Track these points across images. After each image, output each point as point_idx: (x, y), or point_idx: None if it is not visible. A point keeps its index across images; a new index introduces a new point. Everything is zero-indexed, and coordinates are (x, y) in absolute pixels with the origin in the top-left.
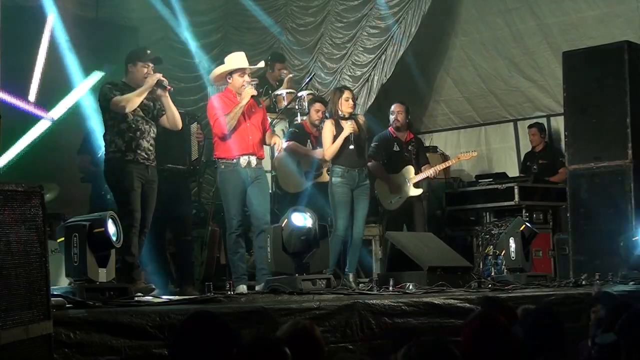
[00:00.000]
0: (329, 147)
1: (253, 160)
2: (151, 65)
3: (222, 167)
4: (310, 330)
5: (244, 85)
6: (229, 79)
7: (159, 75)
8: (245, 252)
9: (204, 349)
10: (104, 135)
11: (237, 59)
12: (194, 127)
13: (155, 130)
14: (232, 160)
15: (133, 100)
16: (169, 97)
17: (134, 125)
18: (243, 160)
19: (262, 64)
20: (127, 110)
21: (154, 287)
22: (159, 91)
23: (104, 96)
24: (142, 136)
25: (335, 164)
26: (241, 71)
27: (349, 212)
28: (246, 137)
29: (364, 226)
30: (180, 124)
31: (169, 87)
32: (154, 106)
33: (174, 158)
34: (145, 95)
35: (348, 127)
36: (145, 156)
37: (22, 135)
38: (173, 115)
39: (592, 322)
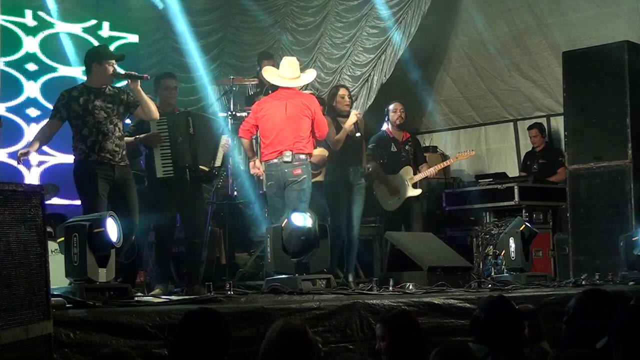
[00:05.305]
0: (334, 138)
1: None
2: (114, 62)
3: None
4: (301, 330)
5: None
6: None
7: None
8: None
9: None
10: (72, 144)
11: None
12: (224, 138)
13: (121, 128)
14: None
15: (151, 108)
16: (140, 89)
17: (95, 129)
18: None
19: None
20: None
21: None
22: (130, 82)
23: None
24: (105, 139)
25: (330, 162)
26: None
27: (345, 211)
28: None
29: (359, 225)
30: (156, 114)
31: (145, 76)
32: (120, 103)
33: (197, 159)
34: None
35: (353, 115)
36: (110, 157)
37: None
38: (148, 106)
39: None
